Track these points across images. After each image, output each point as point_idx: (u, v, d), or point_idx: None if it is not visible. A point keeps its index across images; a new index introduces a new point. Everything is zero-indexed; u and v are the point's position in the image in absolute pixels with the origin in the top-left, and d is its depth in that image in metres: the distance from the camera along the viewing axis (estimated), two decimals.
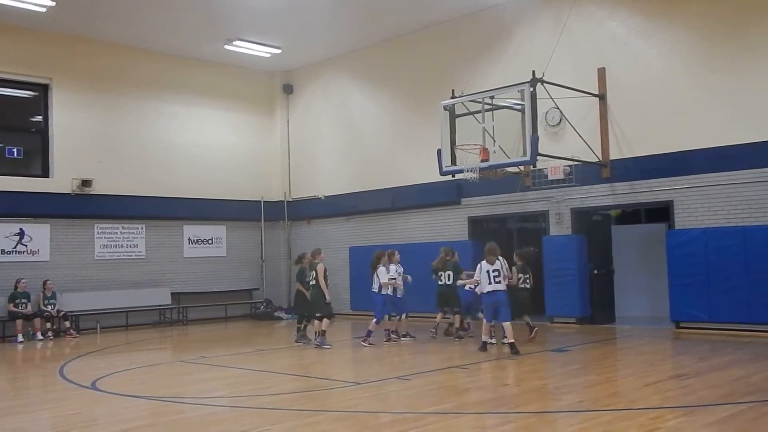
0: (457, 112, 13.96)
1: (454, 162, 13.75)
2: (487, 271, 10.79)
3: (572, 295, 14.46)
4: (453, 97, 13.92)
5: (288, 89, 20.87)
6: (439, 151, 13.91)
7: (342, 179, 19.33)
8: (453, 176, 14.29)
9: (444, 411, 7.01)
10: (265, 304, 19.74)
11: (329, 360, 11.17)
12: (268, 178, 20.74)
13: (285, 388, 8.56)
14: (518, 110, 13.35)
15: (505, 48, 15.92)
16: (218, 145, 19.67)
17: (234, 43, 17.95)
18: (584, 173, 14.26)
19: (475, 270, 11.21)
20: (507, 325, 10.73)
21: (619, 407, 6.93)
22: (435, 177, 14.85)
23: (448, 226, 16.86)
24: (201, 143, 19.33)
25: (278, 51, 18.62)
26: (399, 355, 11.19)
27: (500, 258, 11.02)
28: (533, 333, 12.10)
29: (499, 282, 10.76)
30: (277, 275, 20.67)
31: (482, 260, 11.01)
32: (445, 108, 13.91)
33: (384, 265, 12.41)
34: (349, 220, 19.13)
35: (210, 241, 19.50)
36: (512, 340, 10.58)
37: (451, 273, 12.66)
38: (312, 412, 7.14)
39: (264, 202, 20.40)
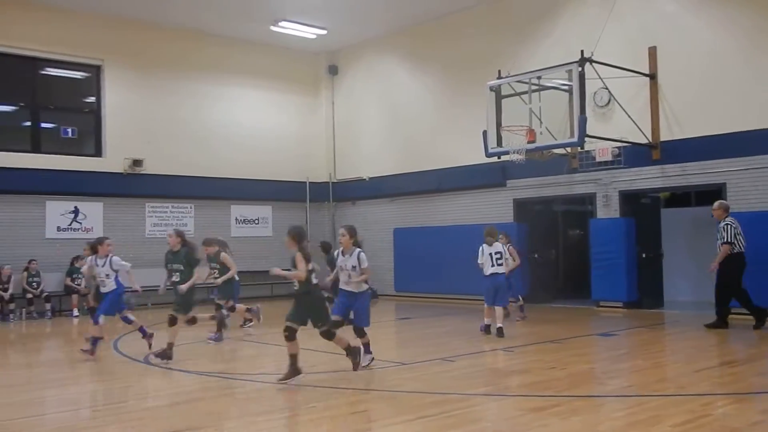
0: (503, 93, 13.82)
1: (500, 143, 13.64)
2: (490, 254, 10.78)
3: (619, 279, 14.25)
4: (499, 77, 13.77)
5: (333, 70, 20.89)
6: (484, 133, 13.80)
7: (386, 160, 19.32)
8: (498, 158, 14.17)
9: (489, 393, 7.03)
10: None
11: (373, 340, 11.22)
12: (313, 159, 20.85)
13: (330, 366, 8.66)
14: (566, 91, 13.16)
15: (552, 27, 15.64)
16: (264, 126, 19.85)
17: (280, 24, 18.02)
18: (633, 155, 13.98)
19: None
20: (500, 310, 10.77)
21: (668, 393, 6.84)
22: (480, 158, 14.76)
23: (492, 208, 16.72)
24: (247, 124, 19.52)
25: (324, 32, 18.64)
26: (442, 336, 11.21)
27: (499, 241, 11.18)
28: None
29: (501, 264, 10.81)
30: (322, 255, 20.77)
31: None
32: (491, 89, 13.78)
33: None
34: (393, 201, 19.16)
35: (256, 221, 19.76)
36: (500, 325, 10.64)
37: None
38: (357, 391, 7.24)
39: (309, 182, 20.56)
